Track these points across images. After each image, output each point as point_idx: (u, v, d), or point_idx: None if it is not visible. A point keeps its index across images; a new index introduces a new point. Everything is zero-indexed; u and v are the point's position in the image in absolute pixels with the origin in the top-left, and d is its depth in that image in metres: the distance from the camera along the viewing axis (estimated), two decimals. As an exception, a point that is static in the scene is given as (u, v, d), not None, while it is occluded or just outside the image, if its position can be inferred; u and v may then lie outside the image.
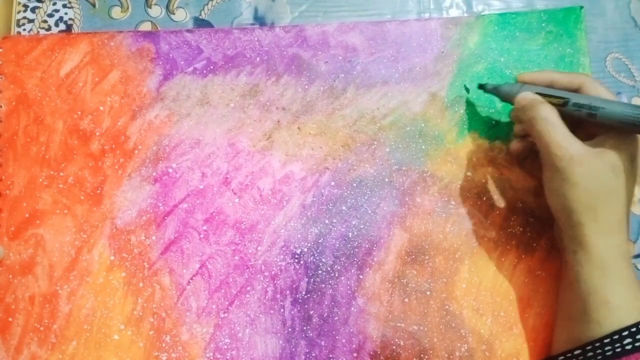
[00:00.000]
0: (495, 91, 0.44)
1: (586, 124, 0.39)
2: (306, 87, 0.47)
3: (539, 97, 0.40)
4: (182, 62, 0.46)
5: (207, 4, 0.49)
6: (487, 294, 0.43)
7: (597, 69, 0.49)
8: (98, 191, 0.44)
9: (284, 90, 0.46)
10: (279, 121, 0.46)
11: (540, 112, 0.39)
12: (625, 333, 0.35)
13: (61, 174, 0.44)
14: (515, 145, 0.44)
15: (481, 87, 0.46)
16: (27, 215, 0.43)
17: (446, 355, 0.42)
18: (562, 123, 0.38)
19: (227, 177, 0.44)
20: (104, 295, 0.42)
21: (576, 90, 0.40)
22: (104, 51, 0.46)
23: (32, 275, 0.42)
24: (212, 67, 0.46)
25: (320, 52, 0.47)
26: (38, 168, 0.44)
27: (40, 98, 0.45)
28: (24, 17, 0.48)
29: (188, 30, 0.47)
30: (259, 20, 0.49)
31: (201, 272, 0.43)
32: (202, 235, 0.43)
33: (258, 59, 0.47)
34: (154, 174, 0.44)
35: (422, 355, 0.42)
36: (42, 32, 0.47)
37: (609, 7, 0.51)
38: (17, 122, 0.44)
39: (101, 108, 0.45)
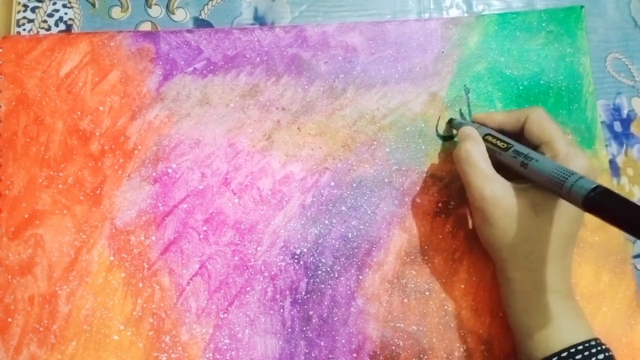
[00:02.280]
0: (457, 127, 0.44)
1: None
2: (306, 87, 0.46)
3: (472, 133, 0.40)
4: (182, 63, 0.46)
5: (207, 4, 0.49)
6: (485, 295, 0.43)
7: (597, 69, 0.49)
8: (98, 191, 0.44)
9: (284, 91, 0.46)
10: (278, 121, 0.46)
11: (461, 150, 0.39)
12: None
13: (61, 174, 0.44)
14: None
15: (449, 121, 0.46)
16: (26, 216, 0.43)
17: (445, 355, 0.42)
18: (484, 160, 0.38)
19: (226, 178, 0.44)
20: (103, 296, 0.42)
21: (522, 126, 0.40)
22: (104, 51, 0.46)
23: (31, 276, 0.42)
24: (212, 67, 0.46)
25: (320, 53, 0.47)
26: (38, 168, 0.44)
27: (40, 98, 0.45)
28: (24, 17, 0.47)
29: (188, 31, 0.47)
30: (259, 20, 0.49)
31: (201, 272, 0.43)
32: (201, 236, 0.43)
33: (258, 59, 0.47)
34: (154, 174, 0.44)
35: (421, 356, 0.42)
36: (42, 32, 0.47)
37: (609, 7, 0.51)
38: (16, 122, 0.44)
39: (101, 108, 0.45)
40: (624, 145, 0.49)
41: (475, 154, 0.38)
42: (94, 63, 0.46)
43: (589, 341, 0.36)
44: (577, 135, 0.47)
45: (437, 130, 0.46)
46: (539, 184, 0.36)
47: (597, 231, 0.45)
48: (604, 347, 0.36)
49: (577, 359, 0.35)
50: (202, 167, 0.44)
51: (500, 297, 0.41)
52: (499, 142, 0.40)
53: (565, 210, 0.37)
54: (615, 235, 0.45)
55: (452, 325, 0.43)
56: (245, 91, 0.46)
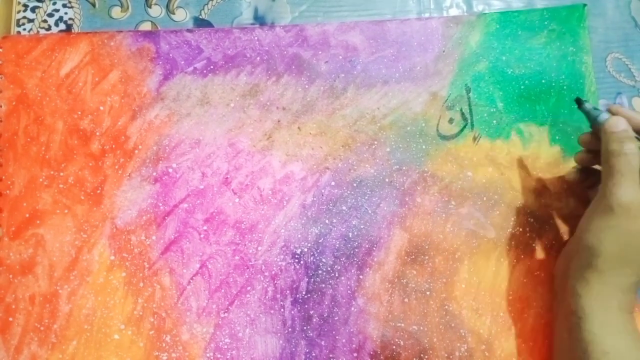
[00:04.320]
0: (588, 113, 0.42)
1: None
2: (306, 86, 0.46)
3: (631, 132, 0.38)
4: (182, 62, 0.46)
5: (207, 4, 0.49)
6: (486, 294, 0.43)
7: (598, 69, 0.49)
8: (98, 191, 0.44)
9: (284, 90, 0.46)
10: (279, 121, 0.46)
11: (626, 149, 0.37)
12: None
13: (61, 173, 0.44)
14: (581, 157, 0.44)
15: (578, 101, 0.42)
16: (27, 215, 0.43)
17: (446, 355, 0.42)
18: (637, 170, 0.36)
19: (227, 177, 0.44)
20: (104, 295, 0.42)
21: None
22: (104, 51, 0.46)
23: (32, 275, 0.42)
24: (212, 66, 0.46)
25: (320, 52, 0.47)
26: (38, 168, 0.44)
27: (41, 98, 0.45)
28: (24, 17, 0.47)
29: (188, 30, 0.47)
30: (259, 20, 0.49)
31: (201, 272, 0.43)
32: (202, 235, 0.43)
33: (258, 58, 0.47)
34: (154, 173, 0.44)
35: (421, 355, 0.42)
36: (42, 31, 0.47)
37: (609, 6, 0.51)
38: (17, 122, 0.44)
39: (101, 108, 0.45)
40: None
41: (637, 159, 0.36)
42: (94, 63, 0.46)
43: None
44: (578, 135, 0.47)
45: (437, 130, 0.46)
46: None
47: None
48: None
49: None
50: (203, 166, 0.44)
51: (563, 308, 0.39)
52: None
53: None
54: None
55: (453, 325, 0.43)
56: (246, 91, 0.46)
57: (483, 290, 0.43)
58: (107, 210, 0.43)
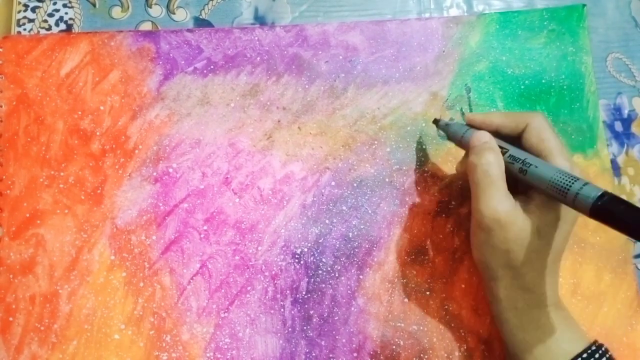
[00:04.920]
0: (445, 128, 0.43)
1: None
2: (307, 86, 0.46)
3: (492, 143, 0.37)
4: (183, 62, 0.46)
5: (207, 4, 0.49)
6: (486, 295, 0.43)
7: (598, 69, 0.49)
8: (98, 191, 0.44)
9: (285, 90, 0.46)
10: (279, 121, 0.46)
11: (482, 160, 0.36)
12: None
13: (62, 173, 0.44)
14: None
15: (435, 121, 0.44)
16: (27, 215, 0.43)
17: (445, 355, 0.42)
18: (502, 177, 0.36)
19: (227, 177, 0.44)
20: (104, 295, 0.42)
21: (521, 132, 0.38)
22: (104, 51, 0.46)
23: (32, 275, 0.42)
24: (212, 66, 0.46)
25: (320, 52, 0.47)
26: (38, 168, 0.44)
27: (41, 98, 0.45)
28: (24, 17, 0.47)
29: (188, 30, 0.47)
30: (259, 20, 0.49)
31: (201, 271, 0.43)
32: (202, 235, 0.43)
33: (258, 58, 0.47)
34: (155, 173, 0.44)
35: (421, 355, 0.42)
36: (43, 31, 0.47)
37: (609, 6, 0.51)
38: (17, 122, 0.44)
39: (101, 108, 0.45)
40: (625, 145, 0.49)
41: (496, 168, 0.36)
42: (95, 63, 0.46)
43: (589, 347, 0.35)
44: (578, 135, 0.47)
45: (438, 130, 0.46)
46: (539, 189, 0.35)
47: (598, 231, 0.45)
48: (603, 349, 0.36)
49: None
50: (203, 166, 0.45)
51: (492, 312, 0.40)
52: None
53: (562, 230, 0.36)
54: (616, 235, 0.45)
55: (453, 325, 0.43)
56: (246, 91, 0.46)
57: (483, 291, 0.43)
58: (108, 210, 0.43)
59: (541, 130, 0.37)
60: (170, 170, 0.44)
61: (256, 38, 0.47)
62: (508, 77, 0.48)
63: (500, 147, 0.37)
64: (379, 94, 0.47)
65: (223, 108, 0.46)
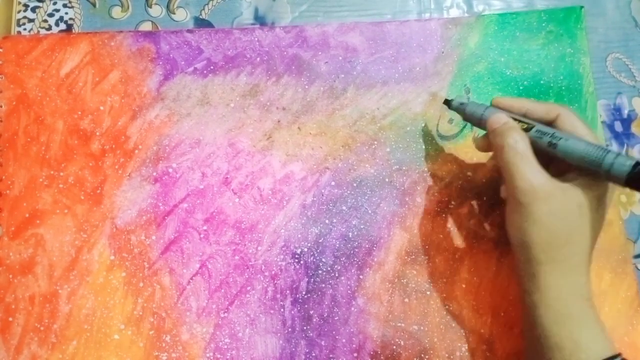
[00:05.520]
0: (460, 109, 0.42)
1: (555, 159, 0.37)
2: (306, 87, 0.47)
3: (512, 122, 0.38)
4: (183, 62, 0.46)
5: (207, 4, 0.49)
6: (486, 294, 0.43)
7: (598, 69, 0.49)
8: (98, 191, 0.44)
9: (284, 91, 0.46)
10: (279, 121, 0.46)
11: (509, 140, 0.36)
12: None
13: (61, 173, 0.44)
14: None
15: (446, 102, 0.44)
16: (27, 215, 0.43)
17: (446, 355, 0.42)
18: (531, 153, 0.36)
19: (227, 177, 0.44)
20: (104, 295, 0.42)
21: (551, 122, 0.38)
22: (105, 51, 0.46)
23: (32, 275, 0.42)
24: (212, 67, 0.46)
25: (320, 53, 0.47)
26: (38, 168, 0.44)
27: (41, 98, 0.45)
28: (24, 17, 0.48)
29: (188, 31, 0.47)
30: (260, 20, 0.49)
31: (201, 272, 0.43)
32: (202, 235, 0.43)
33: (258, 59, 0.47)
34: (154, 173, 0.44)
35: (422, 355, 0.42)
36: (43, 31, 0.47)
37: (609, 7, 0.51)
38: (17, 122, 0.44)
39: (101, 108, 0.45)
40: (625, 145, 0.49)
41: (524, 144, 0.36)
42: (95, 63, 0.46)
43: (616, 356, 0.34)
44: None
45: (437, 130, 0.46)
46: (572, 162, 0.35)
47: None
48: None
49: None
50: (203, 166, 0.45)
51: (523, 305, 0.38)
52: (519, 123, 0.38)
53: (600, 214, 0.36)
54: (616, 234, 0.45)
55: (453, 324, 0.43)
56: (246, 91, 0.46)
57: (483, 290, 0.43)
58: (107, 210, 0.43)
59: (574, 120, 0.37)
60: (170, 170, 0.44)
61: (256, 39, 0.47)
62: (507, 78, 0.48)
63: (527, 123, 0.38)
64: (378, 94, 0.47)
65: (223, 108, 0.46)
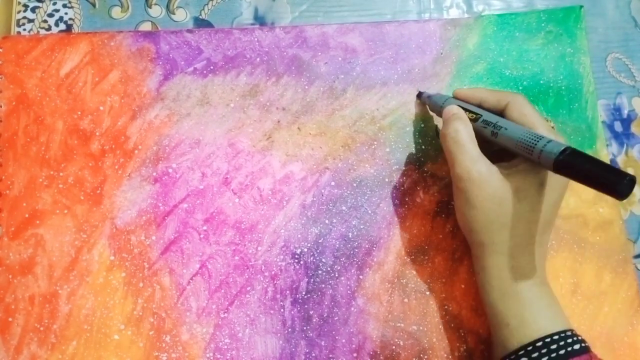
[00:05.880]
0: (427, 100, 0.45)
1: (494, 144, 0.38)
2: (306, 87, 0.47)
3: (460, 113, 0.39)
4: (182, 63, 0.46)
5: (207, 4, 0.49)
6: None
7: (598, 69, 0.50)
8: (98, 191, 0.44)
9: (284, 91, 0.46)
10: (279, 121, 0.46)
11: (450, 129, 0.38)
12: (522, 352, 0.36)
13: (61, 174, 0.44)
14: None
15: (418, 95, 0.47)
16: (27, 215, 0.43)
17: (445, 355, 0.42)
18: (472, 141, 0.37)
19: (227, 177, 0.44)
20: (104, 295, 0.42)
21: (503, 109, 0.39)
22: (104, 51, 0.46)
23: (32, 275, 0.42)
24: (212, 67, 0.46)
25: (320, 53, 0.47)
26: (38, 168, 0.44)
27: (40, 98, 0.45)
28: (24, 17, 0.48)
29: (188, 31, 0.47)
30: (259, 20, 0.49)
31: (201, 272, 0.43)
32: (202, 236, 0.43)
33: (258, 59, 0.47)
34: (154, 174, 0.44)
35: (421, 355, 0.42)
36: (42, 32, 0.47)
37: (609, 6, 0.51)
38: (17, 122, 0.44)
39: (101, 108, 0.45)
40: (625, 145, 0.49)
41: (464, 134, 0.38)
42: (94, 63, 0.46)
43: (564, 331, 0.36)
44: (577, 135, 0.47)
45: (437, 130, 0.46)
46: (510, 149, 0.36)
47: (598, 231, 0.45)
48: (579, 337, 0.36)
49: (552, 349, 0.35)
50: (203, 166, 0.45)
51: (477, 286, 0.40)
52: (467, 113, 0.40)
53: (547, 197, 0.37)
54: (616, 234, 0.45)
55: (452, 325, 0.43)
56: (246, 91, 0.46)
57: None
58: (107, 210, 0.43)
59: (522, 106, 0.39)
60: (170, 170, 0.44)
61: (256, 39, 0.47)
62: (506, 79, 0.48)
63: (475, 113, 0.39)
64: (377, 95, 0.47)
65: (223, 108, 0.46)
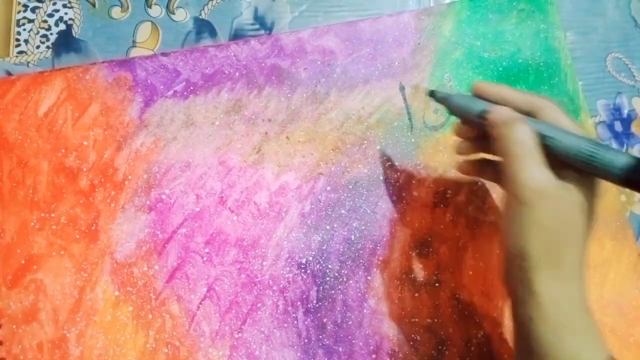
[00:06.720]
0: (445, 102, 0.39)
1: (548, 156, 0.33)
2: (289, 95, 0.46)
3: (516, 115, 0.34)
4: (161, 87, 0.45)
5: (207, 4, 0.48)
6: (494, 278, 0.44)
7: (598, 69, 0.50)
8: (93, 227, 0.43)
9: (268, 102, 0.46)
10: (266, 133, 0.45)
11: (516, 134, 0.33)
12: None
13: (52, 214, 0.43)
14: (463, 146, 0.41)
15: (431, 94, 0.41)
16: (23, 262, 0.42)
17: (463, 343, 0.42)
18: (538, 150, 0.33)
19: (222, 196, 0.44)
20: (114, 333, 0.41)
21: (529, 112, 0.35)
22: (81, 85, 0.45)
23: (36, 322, 0.41)
24: (192, 87, 0.46)
25: (298, 60, 0.47)
26: (28, 212, 0.43)
27: (21, 140, 0.44)
28: (24, 17, 0.47)
29: (163, 54, 0.46)
30: (259, 20, 0.48)
31: (209, 295, 0.42)
32: (205, 258, 0.43)
33: (237, 74, 0.46)
34: (148, 202, 0.43)
35: (440, 347, 0.42)
36: (42, 31, 0.46)
37: (609, 6, 0.51)
38: (0, 167, 0.43)
39: (85, 143, 0.44)
40: (625, 145, 0.49)
41: (532, 139, 0.33)
42: (72, 98, 0.45)
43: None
44: (561, 109, 0.48)
45: (424, 122, 0.46)
46: (565, 159, 0.32)
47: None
48: None
49: None
50: (196, 188, 0.44)
51: (514, 316, 0.35)
52: None
53: (594, 210, 0.33)
54: (611, 201, 0.46)
55: (466, 312, 0.43)
56: (229, 107, 0.46)
57: (491, 274, 0.44)
58: (105, 245, 0.43)
59: (558, 113, 0.34)
60: (164, 196, 0.44)
61: (232, 54, 0.47)
62: (485, 61, 0.48)
63: None
64: (361, 93, 0.47)
65: (208, 127, 0.45)
